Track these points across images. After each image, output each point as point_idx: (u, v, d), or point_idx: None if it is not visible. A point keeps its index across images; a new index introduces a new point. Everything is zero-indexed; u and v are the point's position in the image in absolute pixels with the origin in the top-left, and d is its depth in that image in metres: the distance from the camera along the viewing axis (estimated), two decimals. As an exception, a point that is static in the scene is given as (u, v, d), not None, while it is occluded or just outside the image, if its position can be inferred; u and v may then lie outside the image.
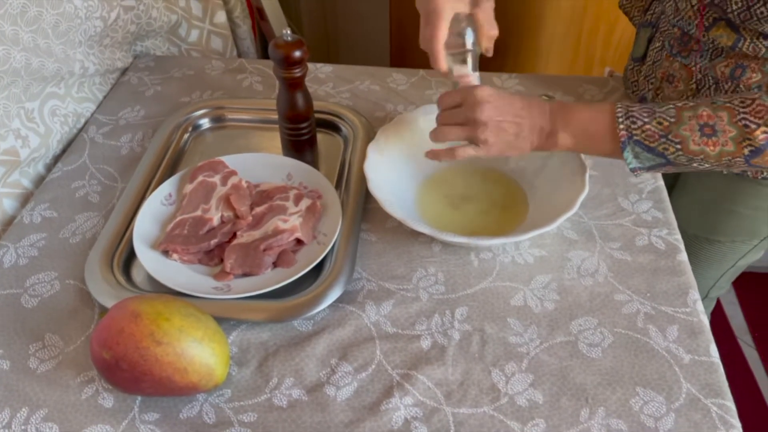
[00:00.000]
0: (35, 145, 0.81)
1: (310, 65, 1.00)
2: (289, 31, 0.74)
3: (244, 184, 0.76)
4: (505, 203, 0.77)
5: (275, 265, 0.69)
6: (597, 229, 0.74)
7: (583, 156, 0.73)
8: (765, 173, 0.75)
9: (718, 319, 1.55)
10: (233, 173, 0.77)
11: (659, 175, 0.80)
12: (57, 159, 0.86)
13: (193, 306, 0.58)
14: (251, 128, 0.89)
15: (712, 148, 0.58)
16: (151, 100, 0.95)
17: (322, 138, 0.88)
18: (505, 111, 0.64)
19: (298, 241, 0.71)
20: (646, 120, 0.60)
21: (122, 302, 0.57)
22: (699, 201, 0.84)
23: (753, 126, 0.56)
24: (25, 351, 0.63)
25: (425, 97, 0.95)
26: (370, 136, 0.84)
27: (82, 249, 0.72)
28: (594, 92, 0.94)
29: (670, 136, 0.59)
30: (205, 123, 0.90)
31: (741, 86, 0.70)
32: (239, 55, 1.20)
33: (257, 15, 1.30)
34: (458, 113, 0.66)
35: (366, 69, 1.00)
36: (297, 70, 0.75)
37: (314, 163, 0.83)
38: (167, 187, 0.77)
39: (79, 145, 0.87)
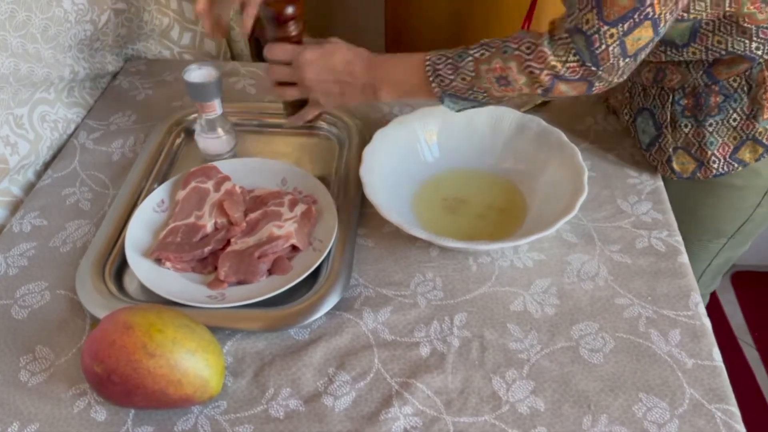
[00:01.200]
0: (24, 152, 0.80)
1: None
2: None
3: (238, 190, 0.75)
4: (503, 206, 0.76)
5: (270, 272, 0.68)
6: (596, 231, 0.73)
7: (581, 158, 0.73)
8: (714, 171, 0.74)
9: (718, 319, 1.54)
10: (226, 179, 0.76)
11: (658, 176, 0.79)
12: (47, 166, 0.85)
13: (186, 316, 0.57)
14: (244, 132, 0.88)
15: (512, 92, 0.64)
16: (142, 105, 0.94)
17: (316, 142, 0.87)
18: (328, 72, 0.70)
19: (294, 248, 0.69)
20: (452, 77, 0.65)
21: (114, 313, 0.55)
22: (675, 208, 0.83)
23: (537, 71, 0.61)
24: (16, 364, 0.61)
25: (421, 100, 0.93)
26: (365, 140, 0.83)
27: (72, 258, 0.71)
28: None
29: (475, 88, 0.65)
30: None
31: (665, 87, 0.74)
32: (233, 58, 1.18)
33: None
34: (289, 73, 0.71)
35: (360, 71, 0.99)
36: (292, 29, 0.70)
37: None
38: (159, 193, 0.75)
39: (69, 152, 0.85)
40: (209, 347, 0.56)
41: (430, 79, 0.66)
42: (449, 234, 0.69)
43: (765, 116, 0.69)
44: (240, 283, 0.67)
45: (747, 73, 0.68)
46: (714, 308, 1.55)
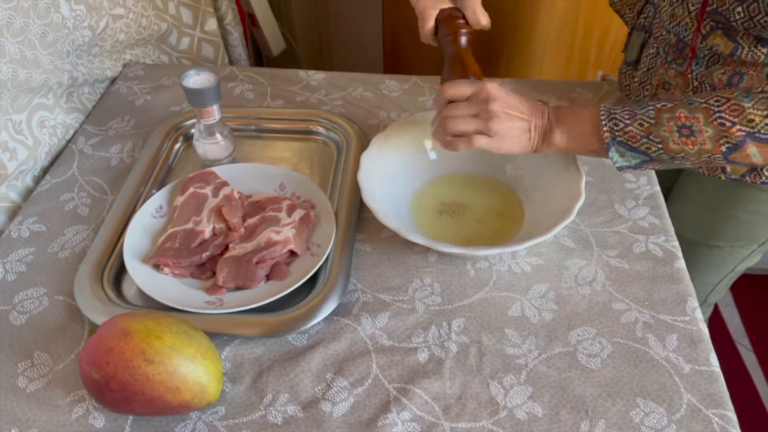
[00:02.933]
0: (23, 157, 0.80)
1: (302, 73, 0.99)
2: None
3: (236, 195, 0.75)
4: (500, 211, 0.77)
5: (268, 277, 0.68)
6: (594, 236, 0.73)
7: (579, 163, 0.73)
8: (764, 178, 0.74)
9: (716, 323, 1.54)
10: (225, 184, 0.76)
11: (655, 181, 0.80)
12: (45, 171, 0.85)
13: (184, 322, 0.57)
14: (243, 137, 0.88)
15: (691, 147, 0.60)
16: (140, 110, 0.94)
17: (314, 146, 0.87)
18: (513, 106, 0.66)
19: (292, 253, 0.70)
20: (627, 122, 0.62)
21: (112, 320, 0.55)
22: (697, 206, 0.84)
23: (728, 124, 0.57)
24: (14, 370, 0.61)
25: (418, 104, 0.94)
26: (363, 144, 0.83)
27: (71, 264, 0.71)
28: (588, 96, 0.93)
29: (651, 137, 0.61)
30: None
31: None
32: (231, 63, 1.19)
33: (249, 21, 1.29)
34: (467, 106, 0.66)
35: (359, 76, 0.99)
36: (462, 38, 0.71)
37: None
38: (158, 199, 0.75)
39: (67, 157, 0.85)
40: (207, 353, 0.56)
41: (603, 121, 0.63)
42: (447, 239, 0.69)
43: None
44: (238, 288, 0.67)
45: None
46: (712, 311, 1.55)
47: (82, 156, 0.86)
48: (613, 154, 0.63)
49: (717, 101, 0.58)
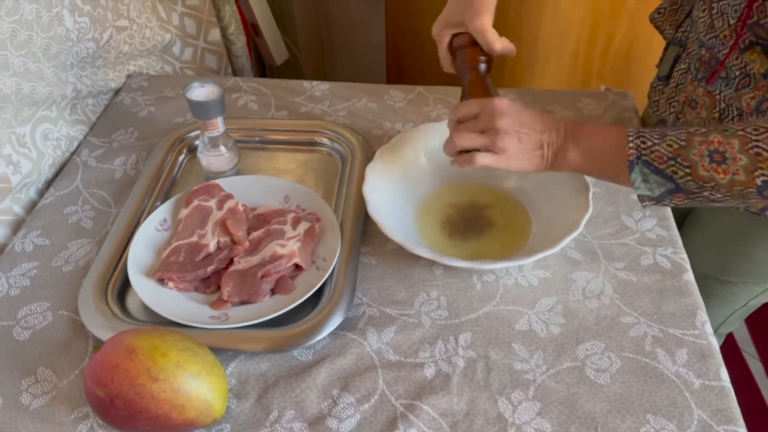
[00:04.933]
0: (27, 170, 0.79)
1: (306, 83, 0.99)
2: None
3: (241, 208, 0.74)
4: (507, 223, 0.76)
5: (273, 291, 0.67)
6: (601, 248, 0.73)
7: (585, 175, 0.72)
8: None
9: (721, 330, 1.53)
10: (229, 197, 0.76)
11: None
12: (49, 184, 0.84)
13: (190, 339, 0.57)
14: (247, 149, 0.87)
15: (722, 176, 0.55)
16: (144, 122, 0.94)
17: (318, 158, 0.87)
18: (524, 122, 0.62)
19: (297, 267, 0.69)
20: (656, 141, 0.57)
21: (116, 336, 0.55)
22: (712, 239, 0.81)
23: (766, 154, 0.53)
24: (18, 386, 0.61)
25: (423, 114, 0.94)
26: (368, 156, 0.83)
27: (75, 278, 0.71)
28: (593, 107, 0.93)
29: (679, 159, 0.56)
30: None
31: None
32: (234, 73, 1.19)
33: (252, 31, 1.29)
34: (475, 123, 0.64)
35: (363, 86, 0.99)
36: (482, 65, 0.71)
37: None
38: (162, 212, 0.75)
39: (71, 169, 0.85)
40: (213, 370, 0.55)
41: (630, 138, 0.58)
42: (453, 252, 0.69)
43: None
44: (243, 303, 0.66)
45: None
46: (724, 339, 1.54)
47: (86, 168, 0.85)
48: (636, 176, 0.58)
49: (755, 130, 0.54)
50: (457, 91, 0.99)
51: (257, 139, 0.89)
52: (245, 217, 0.74)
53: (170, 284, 0.67)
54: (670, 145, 0.56)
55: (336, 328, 0.64)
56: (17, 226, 0.79)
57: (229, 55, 1.19)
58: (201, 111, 0.76)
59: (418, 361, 0.62)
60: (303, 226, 0.72)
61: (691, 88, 0.75)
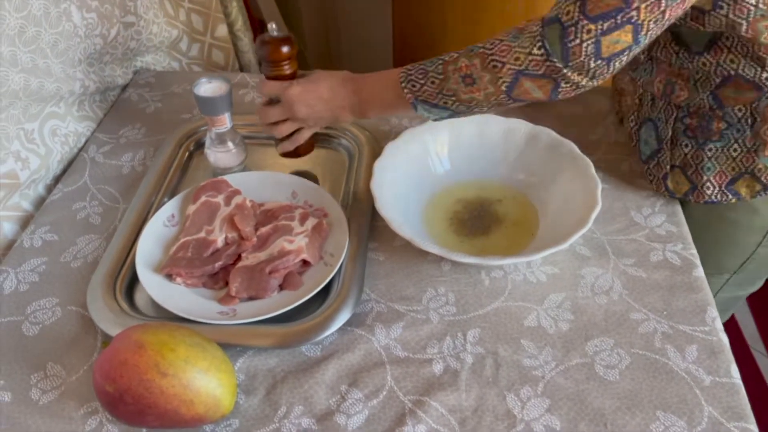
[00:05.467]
0: (35, 166, 0.80)
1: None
2: (275, 26, 0.72)
3: (249, 204, 0.74)
4: (515, 219, 0.76)
5: (281, 287, 0.67)
6: (610, 244, 0.72)
7: (594, 170, 0.72)
8: (707, 198, 0.72)
9: (730, 327, 1.52)
10: (237, 192, 0.76)
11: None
12: (57, 180, 0.85)
13: (198, 334, 0.57)
14: (254, 145, 0.87)
15: (478, 94, 0.62)
16: (152, 118, 0.94)
17: (325, 154, 0.87)
18: (316, 102, 0.71)
19: (305, 263, 0.69)
20: (422, 81, 0.64)
21: (125, 332, 0.55)
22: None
23: (499, 65, 0.59)
24: (27, 381, 0.61)
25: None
26: (375, 151, 0.82)
27: (83, 273, 0.71)
28: (602, 104, 0.92)
29: (443, 91, 0.63)
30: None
31: (672, 102, 0.71)
32: (241, 69, 1.18)
33: (259, 27, 1.28)
34: (279, 111, 0.74)
35: (370, 82, 0.98)
36: (286, 67, 0.73)
37: (312, 176, 0.83)
38: (170, 207, 0.75)
39: (79, 165, 0.85)
40: (221, 366, 0.55)
41: (402, 85, 0.65)
42: (462, 248, 0.68)
43: (766, 153, 0.67)
44: (251, 298, 0.66)
45: (754, 105, 0.66)
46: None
47: (94, 164, 0.86)
48: (421, 110, 0.66)
49: (491, 43, 0.60)
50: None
51: (264, 135, 0.88)
52: (253, 212, 0.74)
53: (178, 280, 0.67)
54: (433, 82, 0.64)
55: (344, 324, 0.64)
56: (26, 221, 0.79)
57: (236, 51, 1.19)
58: (208, 107, 0.76)
59: (426, 357, 0.62)
60: (311, 222, 0.72)
61: (620, 76, 0.83)
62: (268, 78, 0.74)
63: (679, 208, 0.76)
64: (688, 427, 0.56)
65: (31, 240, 0.75)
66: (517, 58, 0.58)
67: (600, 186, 0.70)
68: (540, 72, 0.58)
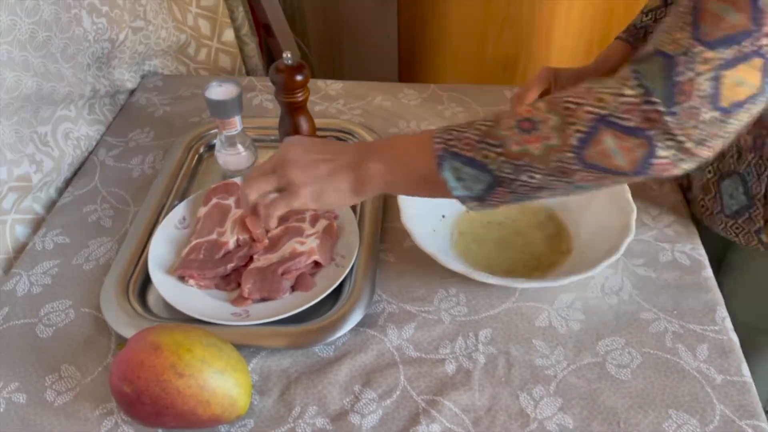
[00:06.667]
0: (48, 169, 0.80)
1: (320, 82, 1.00)
2: (289, 55, 0.74)
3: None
4: (544, 237, 0.74)
5: (293, 288, 0.68)
6: (619, 245, 0.72)
7: (630, 195, 0.70)
8: None
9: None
10: (248, 195, 0.76)
11: (678, 191, 0.79)
12: (68, 183, 0.85)
13: (213, 335, 0.57)
14: (263, 147, 0.88)
15: (535, 145, 0.46)
16: (160, 121, 0.94)
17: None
18: (314, 149, 0.57)
19: (316, 264, 0.69)
20: (464, 129, 0.50)
21: (141, 333, 0.55)
22: (749, 287, 0.74)
23: (573, 106, 0.45)
24: (42, 383, 0.61)
25: (437, 113, 0.94)
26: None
27: (96, 276, 0.71)
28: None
29: (488, 140, 0.48)
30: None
31: (764, 158, 0.63)
32: (247, 73, 1.19)
33: (264, 32, 1.29)
34: (272, 180, 0.59)
35: (377, 85, 0.99)
36: (299, 94, 0.76)
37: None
38: (181, 210, 0.76)
39: (89, 169, 0.86)
40: (237, 366, 0.56)
41: (436, 137, 0.51)
42: (486, 261, 0.67)
43: None
44: (264, 300, 0.67)
45: None
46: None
47: (104, 167, 0.86)
48: (448, 173, 0.49)
49: (566, 92, 0.47)
50: (472, 88, 0.99)
51: (273, 137, 0.89)
52: (264, 215, 0.74)
53: (191, 282, 0.68)
54: (478, 129, 0.49)
55: (356, 325, 0.64)
56: (37, 224, 0.79)
57: (242, 56, 1.19)
58: (219, 110, 0.76)
59: (438, 357, 0.62)
60: (321, 224, 0.72)
61: None
62: (282, 103, 0.75)
63: (686, 210, 0.76)
64: (700, 426, 0.56)
65: (43, 243, 0.75)
66: (600, 99, 0.44)
67: (635, 213, 0.68)
68: (631, 122, 0.43)
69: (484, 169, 0.49)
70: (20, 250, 0.76)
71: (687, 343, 0.63)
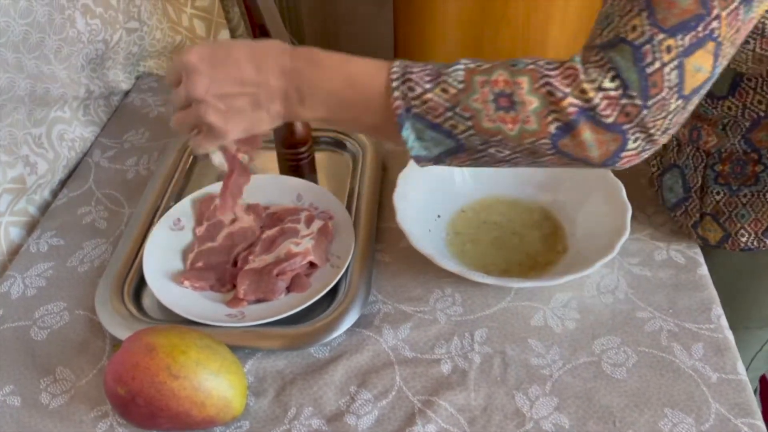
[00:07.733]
0: (42, 171, 0.80)
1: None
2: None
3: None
4: (540, 236, 0.73)
5: (289, 289, 0.68)
6: (614, 244, 0.72)
7: (625, 194, 0.69)
8: (742, 245, 0.66)
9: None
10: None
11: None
12: (62, 184, 0.85)
13: (208, 337, 0.57)
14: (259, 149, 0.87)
15: (510, 126, 0.44)
16: (155, 122, 0.94)
17: (328, 157, 0.87)
18: (228, 78, 0.49)
19: (312, 265, 0.69)
20: (427, 87, 0.45)
21: (136, 335, 0.55)
22: (718, 287, 0.72)
23: (559, 93, 0.43)
24: (36, 386, 0.61)
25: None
26: (379, 153, 0.83)
27: (90, 278, 0.71)
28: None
29: (458, 109, 0.44)
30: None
31: (700, 149, 0.66)
32: (242, 74, 1.19)
33: (260, 32, 1.29)
34: (179, 91, 0.51)
35: (372, 85, 0.99)
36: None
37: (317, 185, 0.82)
38: (175, 211, 0.75)
39: (84, 170, 0.86)
40: (232, 368, 0.56)
41: (394, 84, 0.46)
42: (482, 260, 0.67)
43: None
44: (259, 301, 0.67)
45: None
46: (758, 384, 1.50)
47: (99, 169, 0.86)
48: (409, 133, 0.46)
49: (548, 63, 0.45)
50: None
51: (269, 138, 0.89)
52: (259, 215, 0.74)
53: (186, 283, 0.68)
54: (445, 90, 0.45)
55: (352, 326, 0.64)
56: (32, 226, 0.79)
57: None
58: None
59: (434, 358, 0.62)
60: (316, 225, 0.72)
61: None
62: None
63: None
64: (696, 424, 0.56)
65: (38, 245, 0.75)
66: (584, 91, 0.43)
67: (630, 212, 0.68)
68: (611, 118, 0.43)
69: (448, 135, 0.46)
70: (14, 252, 0.76)
71: (682, 342, 0.63)
